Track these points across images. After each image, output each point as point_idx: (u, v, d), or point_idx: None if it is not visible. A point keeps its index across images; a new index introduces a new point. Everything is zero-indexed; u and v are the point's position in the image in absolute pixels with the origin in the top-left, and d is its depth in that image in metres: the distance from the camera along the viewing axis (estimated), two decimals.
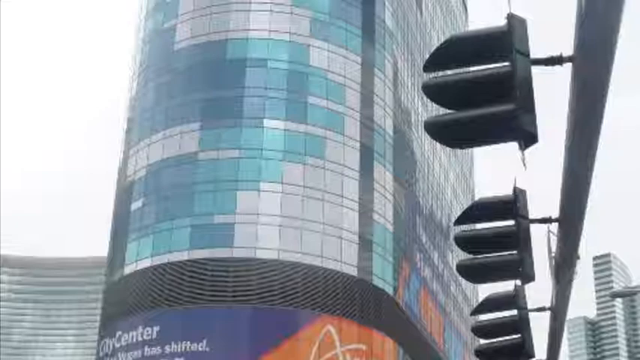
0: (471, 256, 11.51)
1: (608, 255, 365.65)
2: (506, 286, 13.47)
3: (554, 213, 10.70)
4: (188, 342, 67.38)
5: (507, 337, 14.02)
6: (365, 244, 75.18)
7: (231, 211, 70.62)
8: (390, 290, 78.36)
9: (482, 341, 14.52)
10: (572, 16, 7.16)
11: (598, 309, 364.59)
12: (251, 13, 76.40)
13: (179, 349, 67.49)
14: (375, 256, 76.25)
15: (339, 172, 74.62)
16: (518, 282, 13.06)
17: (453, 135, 8.36)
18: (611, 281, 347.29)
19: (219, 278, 69.37)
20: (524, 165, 8.19)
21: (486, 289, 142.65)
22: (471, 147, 9.03)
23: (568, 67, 7.76)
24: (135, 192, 75.43)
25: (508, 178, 11.02)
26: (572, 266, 12.09)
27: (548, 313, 14.79)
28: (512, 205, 10.70)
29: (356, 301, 73.16)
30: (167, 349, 67.79)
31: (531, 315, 14.23)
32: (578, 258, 12.03)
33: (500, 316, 14.01)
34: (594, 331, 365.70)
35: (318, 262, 71.35)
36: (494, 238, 11.02)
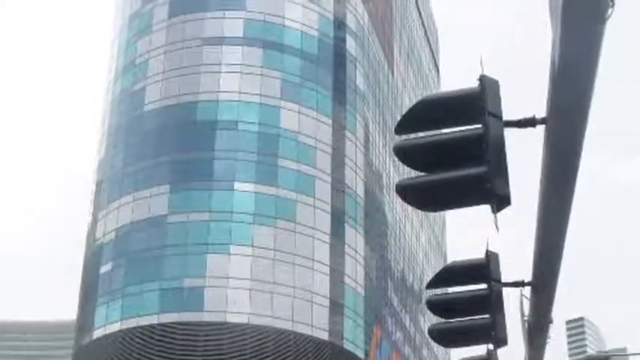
0: (443, 320, 11.38)
1: (581, 319, 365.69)
2: (478, 350, 13.34)
3: (527, 276, 10.60)
4: None
5: None
6: (336, 307, 74.88)
7: (201, 274, 70.26)
8: (361, 354, 77.92)
9: None
10: (545, 77, 7.11)
11: None
12: (221, 74, 76.63)
13: None
14: (346, 319, 75.93)
15: (310, 235, 74.49)
16: (491, 346, 12.92)
17: (424, 198, 8.27)
18: (585, 345, 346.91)
19: (189, 342, 68.80)
20: (497, 228, 8.09)
21: (459, 353, 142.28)
22: (443, 210, 8.95)
23: (541, 128, 7.70)
24: (104, 255, 74.99)
25: (480, 241, 10.93)
26: (545, 330, 11.99)
27: None
28: (484, 269, 10.60)
29: None
30: None
31: None
32: (551, 322, 11.92)
33: None
34: None
35: (289, 326, 70.96)
36: (467, 301, 10.89)
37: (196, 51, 77.65)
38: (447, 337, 11.76)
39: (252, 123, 75.63)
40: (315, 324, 72.68)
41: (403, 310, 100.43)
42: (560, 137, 7.46)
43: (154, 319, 69.66)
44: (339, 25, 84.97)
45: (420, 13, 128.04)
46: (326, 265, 75.04)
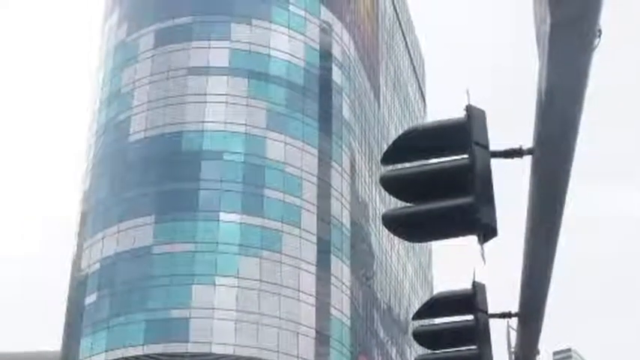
0: (430, 351, 11.29)
1: (568, 350, 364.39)
2: None
3: (514, 307, 10.52)
4: None
5: None
6: (322, 338, 74.65)
7: (187, 305, 70.04)
8: None
9: None
10: (532, 107, 7.06)
11: None
12: (207, 104, 76.68)
13: None
14: (332, 351, 75.69)
15: (296, 266, 74.36)
16: None
17: (410, 229, 8.20)
18: None
19: None
20: (484, 259, 8.02)
21: None
22: (430, 241, 8.88)
23: (528, 159, 7.65)
24: (89, 286, 74.71)
25: (467, 272, 10.86)
26: None
27: None
28: (471, 300, 10.52)
29: None
30: None
31: None
32: (538, 353, 11.83)
33: None
34: None
35: (275, 357, 70.71)
36: (453, 333, 10.81)
37: (182, 81, 77.71)
38: None
39: (237, 153, 75.63)
40: (301, 355, 72.43)
41: (389, 341, 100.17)
42: (547, 168, 7.41)
43: (139, 350, 69.35)
44: (325, 55, 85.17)
45: (406, 43, 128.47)
46: (312, 295, 74.89)
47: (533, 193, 7.82)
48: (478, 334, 10.58)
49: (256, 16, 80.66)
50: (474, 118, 7.79)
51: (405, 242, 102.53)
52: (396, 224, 8.19)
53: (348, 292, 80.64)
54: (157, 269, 71.63)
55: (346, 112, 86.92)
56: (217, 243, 72.36)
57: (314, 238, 76.82)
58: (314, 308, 74.81)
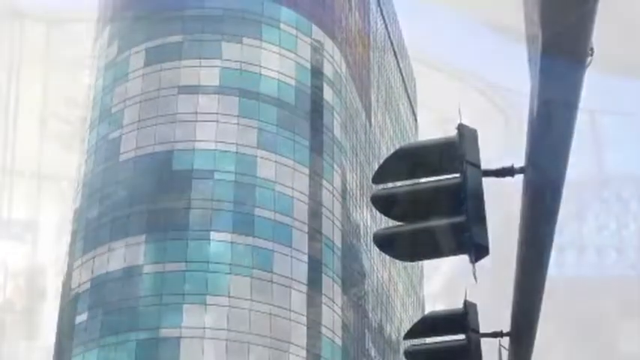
0: None
1: None
2: None
3: (506, 327, 10.48)
4: None
5: None
6: (313, 358, 74.47)
7: (177, 325, 69.82)
8: None
9: None
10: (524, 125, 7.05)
11: None
12: (197, 123, 76.59)
13: None
14: None
15: (287, 286, 74.20)
16: None
17: (402, 248, 8.19)
18: None
19: None
20: (475, 278, 8.00)
21: None
22: (421, 260, 8.86)
23: (520, 177, 7.64)
24: (79, 305, 74.41)
25: (458, 291, 10.82)
26: None
27: None
28: (462, 319, 10.48)
29: None
30: None
31: None
32: None
33: None
34: None
35: None
36: (445, 352, 10.76)
37: (172, 100, 77.64)
38: None
39: (228, 172, 75.51)
40: None
41: None
42: (538, 186, 7.39)
43: None
44: (317, 73, 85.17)
45: (397, 62, 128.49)
46: (303, 315, 74.70)
47: (524, 212, 7.80)
48: (469, 354, 10.54)
49: (247, 35, 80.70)
50: (466, 137, 7.78)
51: (397, 261, 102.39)
52: (388, 243, 8.17)
53: (340, 311, 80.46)
54: (147, 289, 71.45)
55: (337, 131, 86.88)
56: (208, 262, 72.21)
57: (305, 258, 76.69)
58: (305, 328, 74.63)
